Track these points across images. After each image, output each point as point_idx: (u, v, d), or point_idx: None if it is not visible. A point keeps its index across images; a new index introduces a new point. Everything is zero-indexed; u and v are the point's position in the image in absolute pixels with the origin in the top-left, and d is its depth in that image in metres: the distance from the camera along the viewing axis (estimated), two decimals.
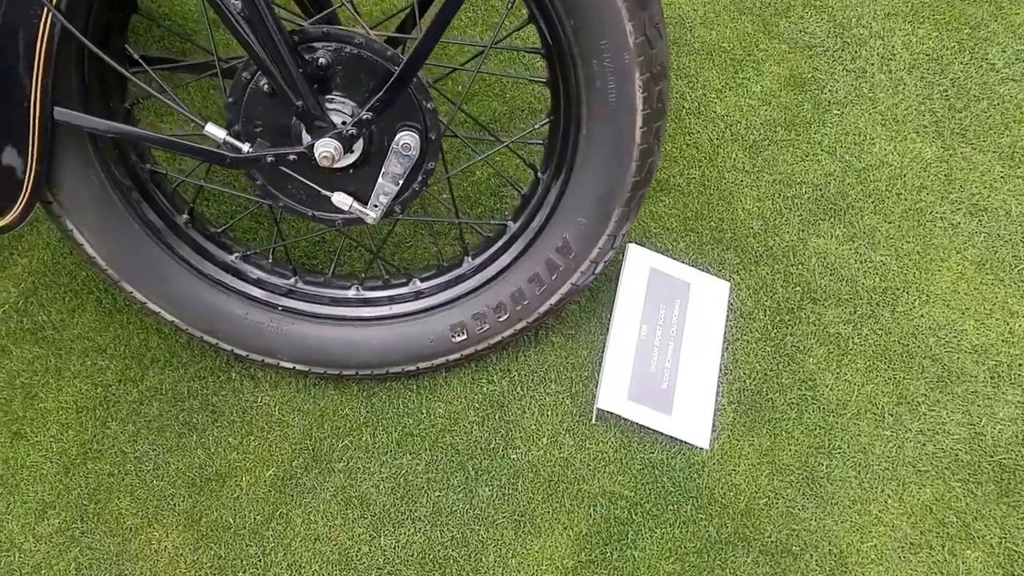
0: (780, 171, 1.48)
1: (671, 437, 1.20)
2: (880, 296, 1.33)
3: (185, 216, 1.14)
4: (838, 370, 1.26)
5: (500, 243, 1.17)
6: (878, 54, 1.64)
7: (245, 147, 0.98)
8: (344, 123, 0.98)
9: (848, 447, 1.20)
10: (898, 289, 1.33)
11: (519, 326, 1.18)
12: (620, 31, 0.95)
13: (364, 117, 0.96)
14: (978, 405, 1.23)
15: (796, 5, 1.75)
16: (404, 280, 1.21)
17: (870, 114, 1.54)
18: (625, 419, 1.20)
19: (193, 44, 1.20)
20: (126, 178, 1.08)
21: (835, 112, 1.56)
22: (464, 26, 1.64)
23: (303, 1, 1.10)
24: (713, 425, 1.22)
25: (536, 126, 1.17)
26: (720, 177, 1.48)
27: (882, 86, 1.59)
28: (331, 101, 0.98)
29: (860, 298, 1.32)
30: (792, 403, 1.24)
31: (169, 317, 1.15)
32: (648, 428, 1.20)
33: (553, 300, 1.16)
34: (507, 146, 1.14)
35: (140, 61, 1.04)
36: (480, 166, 1.44)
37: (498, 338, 1.19)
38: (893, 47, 1.65)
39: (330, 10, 1.03)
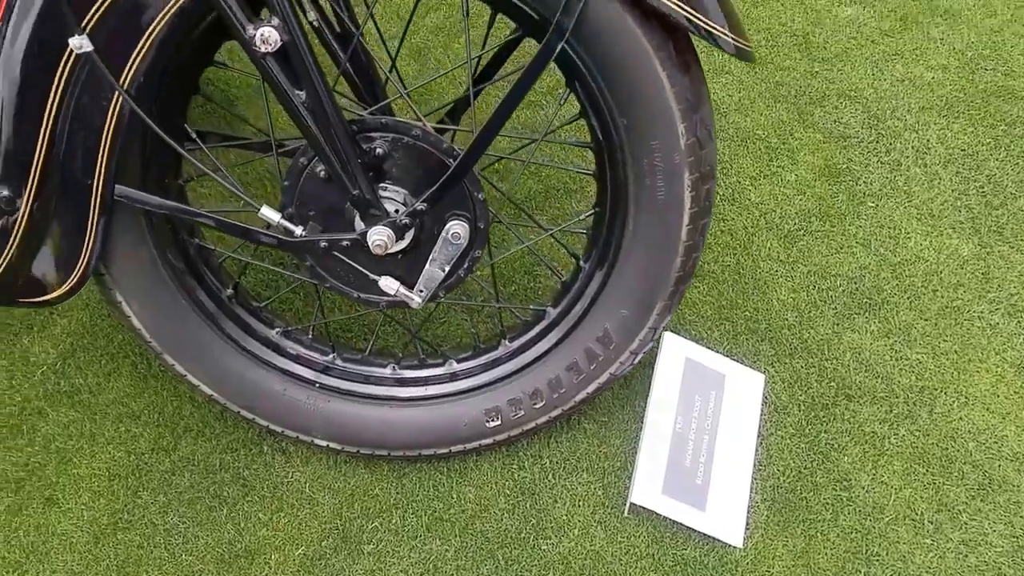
0: (815, 262, 1.48)
1: (704, 534, 1.18)
2: (917, 396, 1.31)
3: (229, 291, 1.15)
4: (874, 471, 1.24)
5: (538, 329, 1.18)
6: (913, 147, 1.66)
7: (298, 230, 0.99)
8: (397, 211, 0.99)
9: (887, 554, 1.18)
10: (935, 389, 1.32)
11: (554, 413, 1.18)
12: (672, 132, 0.96)
13: (418, 208, 0.98)
14: (1021, 516, 1.21)
15: (831, 95, 1.78)
16: (440, 361, 1.21)
17: (905, 208, 1.55)
18: (658, 514, 1.18)
19: (249, 124, 1.23)
20: (175, 252, 1.10)
21: (870, 204, 1.57)
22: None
23: (361, 91, 1.13)
24: (747, 523, 1.20)
25: (581, 216, 1.18)
26: (755, 266, 1.49)
27: (917, 180, 1.60)
28: (384, 188, 1.00)
29: (896, 397, 1.31)
30: (827, 503, 1.22)
31: (208, 391, 1.15)
32: (681, 524, 1.18)
33: (590, 389, 1.15)
34: (551, 235, 1.15)
35: (197, 140, 1.06)
36: (512, 240, 1.46)
37: (532, 424, 1.18)
38: (928, 141, 1.67)
39: (387, 101, 1.06)
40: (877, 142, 1.68)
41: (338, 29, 1.11)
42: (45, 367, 1.34)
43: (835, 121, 1.73)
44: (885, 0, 1.99)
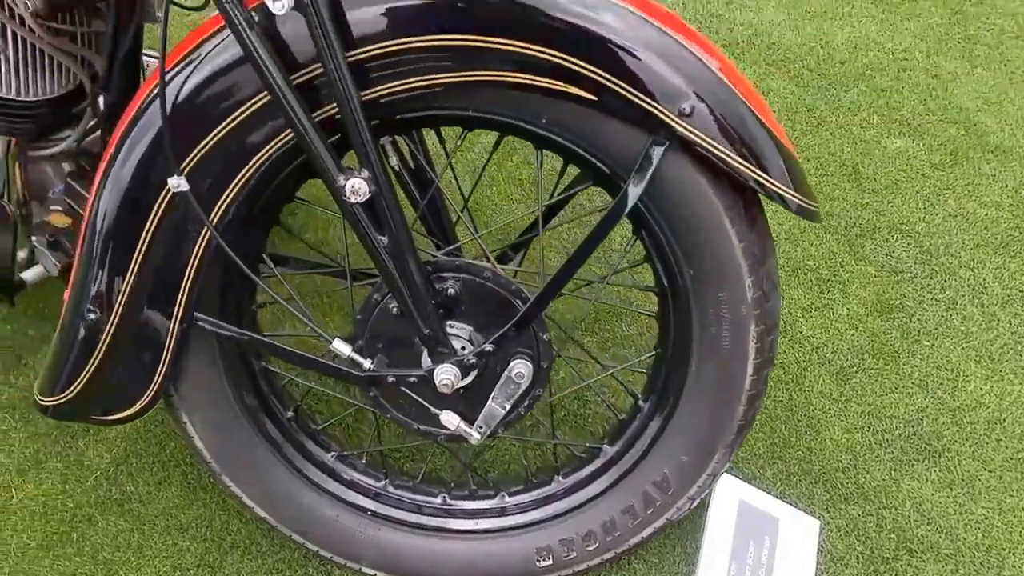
0: (869, 402, 1.46)
1: None
2: (984, 555, 1.27)
3: (290, 413, 1.17)
4: None
5: (594, 467, 1.17)
6: (968, 286, 1.66)
7: (367, 363, 1.01)
8: (463, 348, 1.01)
9: None
10: (1003, 549, 1.27)
11: (607, 556, 1.15)
12: (739, 285, 0.98)
13: (486, 349, 0.99)
14: None
15: (881, 227, 1.80)
16: (492, 493, 1.20)
17: (963, 348, 1.54)
18: None
19: (326, 256, 1.27)
20: (241, 374, 1.12)
21: (925, 343, 1.55)
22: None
23: (430, 224, 1.17)
24: None
25: (643, 357, 1.19)
26: (807, 403, 1.47)
27: (974, 320, 1.59)
28: (451, 326, 1.02)
29: (963, 555, 1.27)
30: None
31: (262, 513, 1.15)
32: None
33: (645, 533, 1.13)
34: (611, 374, 1.16)
35: (273, 269, 1.10)
36: (563, 367, 1.46)
37: (583, 566, 1.16)
38: (984, 280, 1.67)
39: (458, 244, 1.09)
40: (931, 278, 1.68)
41: (412, 166, 1.16)
42: (98, 472, 1.35)
43: (887, 255, 1.74)
44: (934, 134, 2.03)
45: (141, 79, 1.19)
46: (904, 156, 1.98)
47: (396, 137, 1.04)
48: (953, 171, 1.93)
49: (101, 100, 1.16)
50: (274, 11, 0.80)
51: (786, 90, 2.16)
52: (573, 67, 0.85)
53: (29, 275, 1.33)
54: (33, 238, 1.30)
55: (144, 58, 1.27)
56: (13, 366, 1.51)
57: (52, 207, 1.28)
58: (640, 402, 1.14)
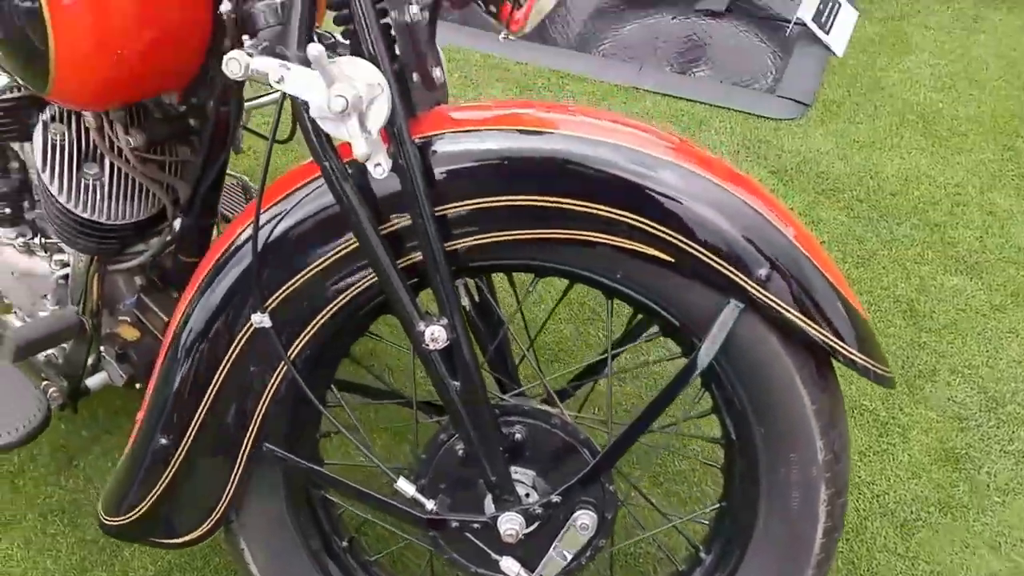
0: (938, 561, 1.40)
1: None
2: None
3: (345, 543, 1.16)
4: None
5: None
6: None
7: (429, 504, 1.00)
8: (527, 495, 1.00)
9: None
10: None
11: None
12: (811, 447, 0.96)
13: (553, 500, 0.98)
14: None
15: (942, 369, 1.76)
16: None
17: None
18: None
19: (393, 391, 1.29)
20: (300, 502, 1.12)
21: (996, 500, 1.49)
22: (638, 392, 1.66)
23: (494, 361, 1.18)
24: None
25: (707, 509, 1.16)
26: (870, 556, 1.41)
27: None
28: (514, 471, 1.01)
29: None
30: None
31: None
32: None
33: None
34: (674, 525, 1.13)
35: (341, 401, 1.11)
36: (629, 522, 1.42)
37: None
38: None
39: (523, 388, 1.10)
40: (998, 428, 1.63)
41: (478, 300, 1.18)
42: None
43: (948, 399, 1.69)
44: (993, 273, 2.00)
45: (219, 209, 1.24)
46: (962, 295, 1.95)
47: (467, 279, 1.07)
48: (1016, 313, 1.90)
49: (178, 221, 1.20)
50: (375, 175, 0.84)
51: (836, 221, 2.17)
52: (653, 231, 0.87)
53: (93, 383, 1.36)
54: (102, 348, 1.33)
55: (227, 178, 1.32)
56: (65, 467, 1.53)
57: (121, 318, 1.32)
58: (701, 554, 1.10)
